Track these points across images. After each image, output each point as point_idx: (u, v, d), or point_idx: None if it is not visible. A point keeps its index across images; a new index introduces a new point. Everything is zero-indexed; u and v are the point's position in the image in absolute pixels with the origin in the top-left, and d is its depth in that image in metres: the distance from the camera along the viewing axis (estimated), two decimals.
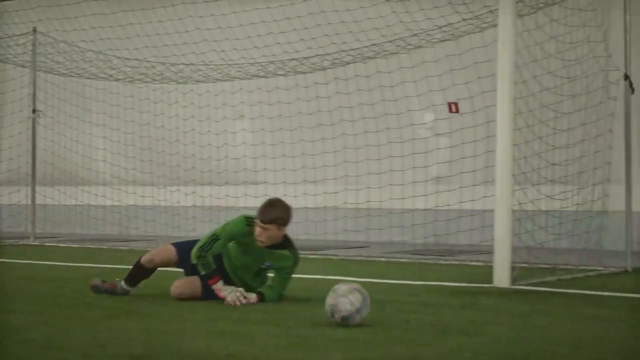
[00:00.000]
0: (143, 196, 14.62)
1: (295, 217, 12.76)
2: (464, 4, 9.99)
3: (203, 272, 6.77)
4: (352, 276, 8.80)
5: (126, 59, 12.85)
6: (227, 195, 13.43)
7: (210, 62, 12.20)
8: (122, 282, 7.12)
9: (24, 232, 15.44)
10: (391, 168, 12.01)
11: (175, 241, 7.15)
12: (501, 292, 7.78)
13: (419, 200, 11.94)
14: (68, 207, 15.92)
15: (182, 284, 6.98)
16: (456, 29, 10.06)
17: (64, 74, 14.34)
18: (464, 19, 9.98)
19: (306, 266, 9.94)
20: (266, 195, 13.18)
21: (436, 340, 5.27)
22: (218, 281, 6.75)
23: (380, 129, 12.09)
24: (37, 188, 14.81)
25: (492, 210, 8.14)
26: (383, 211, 12.24)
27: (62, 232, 15.92)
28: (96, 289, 7.16)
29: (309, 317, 6.04)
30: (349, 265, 10.20)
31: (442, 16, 10.36)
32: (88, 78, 14.14)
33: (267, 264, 6.95)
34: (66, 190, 15.93)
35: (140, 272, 7.08)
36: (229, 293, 6.69)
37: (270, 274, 7.03)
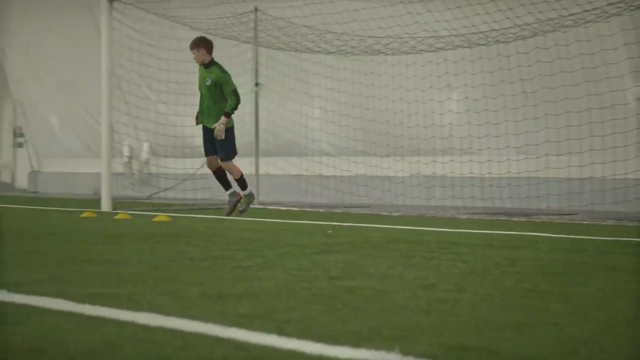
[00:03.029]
0: (356, 163, 15.28)
1: (502, 184, 13.09)
2: None
3: None
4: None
5: (337, 33, 13.66)
6: (433, 162, 14.01)
7: (415, 34, 12.85)
8: (228, 195, 11.93)
9: None
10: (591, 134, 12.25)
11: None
12: None
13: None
14: (290, 175, 16.79)
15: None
16: None
17: (282, 48, 15.29)
18: None
19: (500, 225, 10.49)
20: (471, 161, 13.76)
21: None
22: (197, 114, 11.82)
23: (581, 96, 12.36)
24: (261, 158, 15.81)
25: None
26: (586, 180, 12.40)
27: (285, 199, 16.89)
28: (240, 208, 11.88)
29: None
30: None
31: None
32: (303, 52, 15.00)
33: (208, 80, 11.43)
34: (288, 159, 16.84)
35: (219, 179, 11.94)
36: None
37: None
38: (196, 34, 15.53)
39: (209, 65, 11.57)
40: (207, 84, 11.46)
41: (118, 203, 13.52)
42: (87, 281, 5.15)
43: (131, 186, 16.84)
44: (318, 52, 14.21)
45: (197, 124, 11.89)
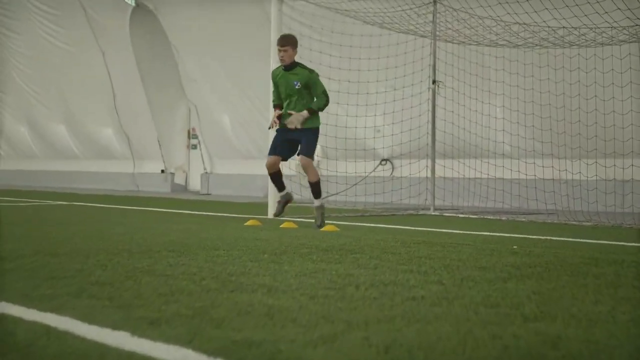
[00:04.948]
0: (542, 167, 14.21)
1: None
2: None
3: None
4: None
5: (526, 24, 12.47)
6: (632, 165, 12.68)
7: (615, 22, 11.47)
8: (279, 197, 11.15)
9: (423, 204, 15.68)
10: None
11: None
12: None
13: None
14: (467, 179, 15.85)
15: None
16: None
17: (462, 42, 14.26)
18: None
19: None
20: None
21: None
22: (276, 109, 10.61)
23: None
24: (437, 160, 14.92)
25: None
26: None
27: (462, 204, 15.94)
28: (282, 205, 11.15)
29: None
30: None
31: None
32: (487, 46, 13.95)
33: (296, 82, 10.36)
34: (465, 161, 15.88)
35: (274, 180, 10.95)
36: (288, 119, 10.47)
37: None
38: (370, 29, 14.70)
39: (292, 66, 10.47)
40: (297, 87, 10.36)
41: (286, 208, 12.80)
42: (229, 319, 4.29)
43: (300, 190, 16.18)
44: (502, 45, 13.06)
45: (272, 128, 10.79)
